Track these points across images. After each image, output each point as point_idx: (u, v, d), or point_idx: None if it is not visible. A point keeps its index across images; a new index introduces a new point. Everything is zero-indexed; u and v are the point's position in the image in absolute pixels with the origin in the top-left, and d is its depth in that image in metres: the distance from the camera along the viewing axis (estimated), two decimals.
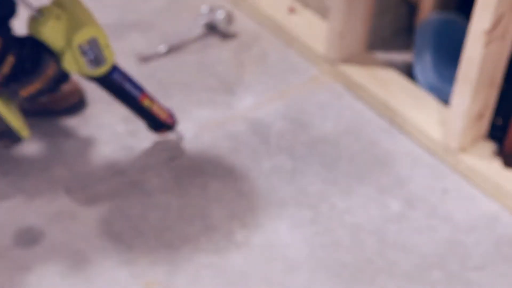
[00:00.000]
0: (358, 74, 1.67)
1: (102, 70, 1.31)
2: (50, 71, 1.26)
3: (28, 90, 1.26)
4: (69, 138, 1.51)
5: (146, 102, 1.41)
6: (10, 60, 1.22)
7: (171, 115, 1.47)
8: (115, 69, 1.35)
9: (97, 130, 1.54)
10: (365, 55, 1.71)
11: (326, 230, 1.38)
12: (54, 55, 1.26)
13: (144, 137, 1.52)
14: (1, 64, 1.21)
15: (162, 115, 1.45)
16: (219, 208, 1.41)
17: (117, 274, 1.28)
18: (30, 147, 1.47)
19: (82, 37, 1.25)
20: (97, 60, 1.29)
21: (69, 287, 1.25)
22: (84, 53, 1.27)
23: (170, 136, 1.51)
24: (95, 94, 1.53)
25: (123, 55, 1.74)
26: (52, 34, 1.24)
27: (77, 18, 1.25)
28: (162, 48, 1.75)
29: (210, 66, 1.73)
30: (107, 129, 1.54)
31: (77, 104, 1.56)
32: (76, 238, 1.33)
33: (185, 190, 1.43)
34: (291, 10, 1.82)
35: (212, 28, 1.82)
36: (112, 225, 1.36)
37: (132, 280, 1.27)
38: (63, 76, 1.30)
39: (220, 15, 1.80)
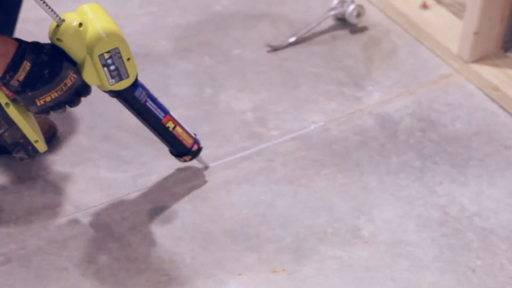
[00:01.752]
0: (492, 74, 1.62)
1: (124, 84, 1.24)
2: (69, 81, 1.17)
3: (44, 99, 1.17)
4: None
5: (170, 125, 1.34)
6: (26, 66, 1.14)
7: (196, 142, 1.39)
8: (138, 85, 1.28)
9: None
10: (500, 55, 1.66)
11: (455, 232, 1.35)
12: (74, 65, 1.19)
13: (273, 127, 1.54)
14: (17, 69, 1.13)
15: (187, 141, 1.37)
16: (345, 201, 1.40)
17: (244, 258, 1.29)
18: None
19: (103, 47, 1.18)
20: (119, 73, 1.22)
21: (199, 267, 1.28)
22: (105, 64, 1.20)
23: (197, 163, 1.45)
24: None
25: (253, 44, 1.76)
26: (73, 42, 1.17)
27: (100, 27, 1.18)
28: (291, 38, 1.76)
29: (338, 59, 1.72)
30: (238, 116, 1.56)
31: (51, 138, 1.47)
32: (206, 220, 1.35)
33: (312, 182, 1.43)
34: (424, 6, 1.79)
35: (342, 21, 1.81)
36: (241, 210, 1.38)
37: (259, 266, 1.28)
38: (84, 88, 1.21)
39: (350, 8, 1.79)
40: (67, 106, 1.20)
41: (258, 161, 1.48)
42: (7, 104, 1.16)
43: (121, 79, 1.23)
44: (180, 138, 1.35)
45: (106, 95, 1.28)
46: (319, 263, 1.29)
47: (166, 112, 1.33)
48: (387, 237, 1.34)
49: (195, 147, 1.39)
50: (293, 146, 1.51)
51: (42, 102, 1.17)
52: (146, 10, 1.85)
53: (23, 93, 1.15)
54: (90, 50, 1.18)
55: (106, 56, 1.19)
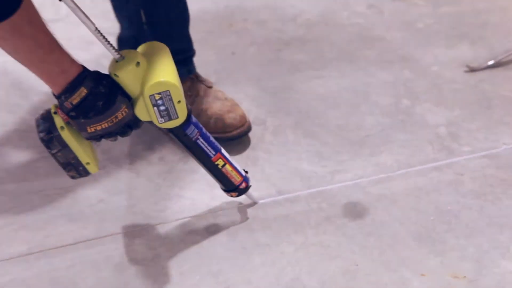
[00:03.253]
0: None
1: (173, 123, 1.27)
2: (120, 114, 1.21)
3: (95, 127, 1.21)
4: None
5: (219, 162, 1.36)
6: (82, 92, 1.17)
7: (245, 180, 1.42)
8: (191, 124, 1.31)
9: None
10: None
11: None
12: (128, 100, 1.22)
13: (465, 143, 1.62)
14: (73, 92, 1.17)
15: (235, 178, 1.40)
16: None
17: (428, 260, 1.39)
18: None
19: (154, 88, 1.21)
20: (168, 114, 1.25)
21: (386, 262, 1.39)
22: (155, 104, 1.23)
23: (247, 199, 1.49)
24: None
25: (451, 63, 1.84)
26: (128, 79, 1.21)
27: (156, 69, 1.22)
28: (490, 61, 1.82)
29: None
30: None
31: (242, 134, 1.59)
32: (395, 221, 1.46)
33: (499, 199, 1.50)
34: None
35: None
36: (428, 216, 1.47)
37: (441, 269, 1.37)
38: (134, 123, 1.25)
39: None
40: (118, 136, 1.26)
41: (447, 173, 1.57)
42: (62, 127, 1.22)
43: (170, 119, 1.26)
44: (229, 175, 1.39)
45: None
46: (500, 276, 1.36)
47: (217, 150, 1.36)
48: None
49: (243, 185, 1.42)
50: (482, 163, 1.59)
51: (92, 129, 1.21)
52: (353, 21, 1.98)
53: (76, 119, 1.20)
54: (142, 89, 1.21)
55: (157, 97, 1.22)
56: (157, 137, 1.63)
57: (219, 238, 1.42)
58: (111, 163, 1.59)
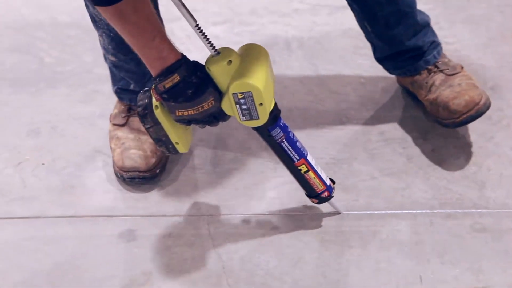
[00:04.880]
0: None
1: (254, 123, 1.33)
2: (206, 105, 1.29)
3: (182, 112, 1.30)
4: None
5: (302, 168, 1.40)
6: (175, 79, 1.26)
7: (328, 189, 1.44)
8: (277, 126, 1.35)
9: None
10: None
11: None
12: (217, 93, 1.30)
13: None
14: (166, 77, 1.26)
15: (317, 186, 1.43)
16: None
17: None
18: None
19: (237, 87, 1.27)
20: (249, 113, 1.31)
21: None
22: (237, 102, 1.29)
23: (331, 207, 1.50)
24: None
25: None
26: (218, 74, 1.28)
27: (245, 70, 1.27)
28: None
29: None
30: None
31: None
32: None
33: None
34: None
35: None
36: None
37: None
38: (220, 115, 1.33)
39: None
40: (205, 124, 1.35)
41: None
42: (156, 106, 1.32)
43: (251, 118, 1.32)
44: (311, 182, 1.42)
45: None
46: None
47: (302, 156, 1.39)
48: None
49: (326, 194, 1.44)
50: None
51: (180, 114, 1.30)
52: None
53: (167, 101, 1.30)
54: (229, 86, 1.28)
55: (240, 96, 1.28)
56: (431, 129, 1.68)
57: (484, 237, 1.45)
58: (387, 145, 1.66)
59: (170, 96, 1.28)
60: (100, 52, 1.64)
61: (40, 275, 1.44)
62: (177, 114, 1.31)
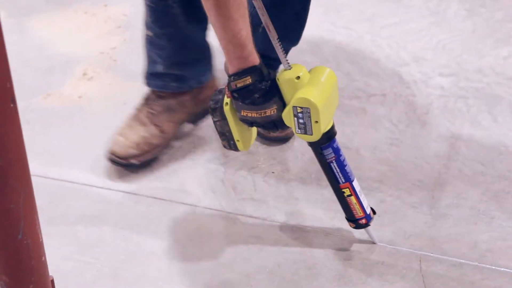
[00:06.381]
0: None
1: (308, 138, 1.42)
2: (268, 111, 1.39)
3: (246, 113, 1.40)
4: None
5: (346, 191, 1.48)
6: (247, 80, 1.36)
7: (366, 217, 1.51)
8: (330, 146, 1.44)
9: None
10: None
11: None
12: (281, 103, 1.40)
13: None
14: (240, 77, 1.37)
15: (356, 212, 1.51)
16: None
17: None
18: None
19: (297, 101, 1.37)
20: (305, 128, 1.40)
21: None
22: (295, 115, 1.39)
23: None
24: None
25: None
26: (286, 87, 1.38)
27: (310, 87, 1.38)
28: None
29: None
30: None
31: None
32: None
33: None
34: None
35: None
36: None
37: None
38: (280, 123, 1.42)
39: None
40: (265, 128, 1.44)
41: None
42: (226, 103, 1.43)
43: (306, 133, 1.41)
44: (351, 206, 1.50)
45: None
46: None
47: (348, 180, 1.48)
48: None
49: (363, 221, 1.53)
50: None
51: (244, 114, 1.41)
52: None
53: (236, 100, 1.40)
54: (291, 99, 1.38)
55: (299, 110, 1.38)
56: None
57: None
58: None
59: (239, 95, 1.39)
60: None
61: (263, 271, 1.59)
62: (242, 114, 1.42)
